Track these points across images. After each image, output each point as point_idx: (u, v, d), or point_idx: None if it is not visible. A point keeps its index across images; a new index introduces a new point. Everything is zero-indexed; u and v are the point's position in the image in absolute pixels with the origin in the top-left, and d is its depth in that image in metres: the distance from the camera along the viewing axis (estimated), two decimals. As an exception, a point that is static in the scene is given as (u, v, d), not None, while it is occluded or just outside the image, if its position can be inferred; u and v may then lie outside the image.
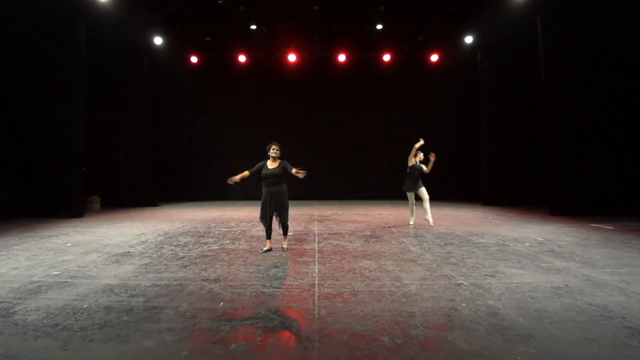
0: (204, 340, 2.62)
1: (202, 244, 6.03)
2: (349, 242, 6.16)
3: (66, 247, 5.77)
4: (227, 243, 6.09)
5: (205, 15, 11.91)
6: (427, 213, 7.44)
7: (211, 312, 3.11)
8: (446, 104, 14.52)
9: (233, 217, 9.44)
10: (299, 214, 9.84)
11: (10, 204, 9.63)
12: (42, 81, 9.43)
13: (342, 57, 13.86)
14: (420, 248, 5.59)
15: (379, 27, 12.34)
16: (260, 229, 7.17)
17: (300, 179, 5.19)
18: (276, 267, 4.60)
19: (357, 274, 4.25)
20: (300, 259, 4.98)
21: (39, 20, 9.22)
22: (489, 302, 3.29)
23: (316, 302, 3.36)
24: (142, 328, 2.80)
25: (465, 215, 9.69)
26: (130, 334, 2.70)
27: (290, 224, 5.63)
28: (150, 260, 4.88)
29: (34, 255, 5.21)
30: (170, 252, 5.37)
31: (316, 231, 7.26)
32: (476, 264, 4.62)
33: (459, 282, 3.88)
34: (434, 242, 6.05)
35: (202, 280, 4.02)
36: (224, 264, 4.72)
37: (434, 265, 4.56)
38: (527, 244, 5.77)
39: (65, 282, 3.96)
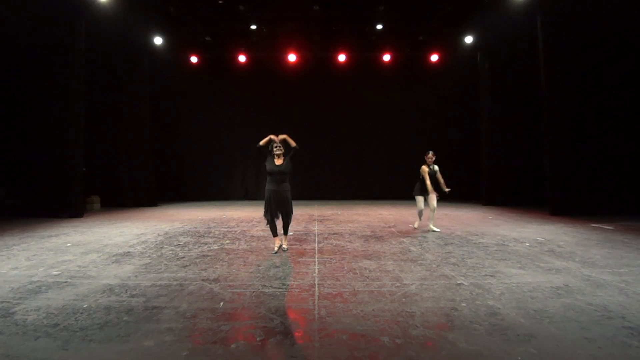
0: (204, 340, 2.62)
1: (202, 244, 6.03)
2: (349, 242, 6.16)
3: (66, 247, 5.77)
4: (227, 243, 6.09)
5: (205, 15, 11.91)
6: (432, 219, 7.16)
7: (211, 312, 3.11)
8: (446, 104, 14.52)
9: (233, 217, 9.44)
10: (299, 214, 9.84)
11: (10, 204, 9.63)
12: (42, 81, 9.43)
13: (342, 57, 13.86)
14: (420, 248, 5.59)
15: (379, 27, 12.34)
16: (260, 229, 7.18)
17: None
18: (276, 267, 4.60)
19: (357, 274, 4.25)
20: (300, 259, 4.98)
21: (39, 21, 9.21)
22: (489, 302, 3.29)
23: (316, 302, 3.36)
24: (142, 328, 2.80)
25: (465, 215, 9.70)
26: (130, 334, 2.70)
27: (290, 224, 5.61)
28: (150, 260, 4.88)
29: (34, 255, 5.21)
30: (170, 252, 5.37)
31: (316, 231, 7.26)
32: (476, 264, 4.62)
33: (459, 282, 3.89)
34: (434, 242, 6.05)
35: (202, 280, 4.02)
36: (224, 264, 4.72)
37: (434, 265, 4.56)
38: (527, 244, 5.77)
39: (65, 282, 3.96)
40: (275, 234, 5.38)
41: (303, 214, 10.04)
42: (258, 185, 14.34)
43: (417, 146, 11.96)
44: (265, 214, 5.27)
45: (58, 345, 2.56)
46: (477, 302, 3.28)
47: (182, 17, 11.60)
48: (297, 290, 3.71)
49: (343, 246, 5.80)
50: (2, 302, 3.36)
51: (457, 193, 14.37)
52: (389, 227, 7.74)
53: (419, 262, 4.74)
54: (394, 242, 6.07)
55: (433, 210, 7.01)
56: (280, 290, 3.71)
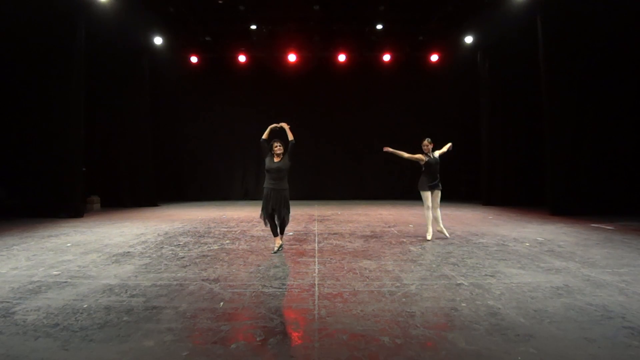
0: (204, 340, 2.63)
1: (202, 244, 6.03)
2: (349, 242, 6.16)
3: (66, 247, 5.77)
4: (227, 243, 6.09)
5: (205, 15, 11.90)
6: (439, 222, 6.26)
7: (211, 312, 3.11)
8: (446, 104, 14.51)
9: (233, 217, 9.44)
10: (299, 214, 9.84)
11: (10, 204, 9.63)
12: (42, 81, 9.42)
13: (342, 57, 13.85)
14: (420, 248, 5.59)
15: (379, 27, 12.33)
16: (260, 229, 7.17)
17: (272, 132, 5.36)
18: (276, 267, 4.60)
19: (357, 274, 4.25)
20: (300, 259, 4.98)
21: (39, 20, 9.20)
22: (489, 302, 3.29)
23: (316, 302, 3.36)
24: (142, 328, 2.80)
25: (465, 215, 9.69)
26: (130, 334, 2.70)
27: (290, 224, 5.61)
28: (150, 260, 4.88)
29: (34, 255, 5.21)
30: (170, 252, 5.37)
31: (316, 231, 7.25)
32: (476, 264, 4.62)
33: (459, 282, 3.88)
34: (434, 242, 6.05)
35: (202, 280, 4.02)
36: (224, 264, 4.72)
37: (434, 265, 4.56)
38: (527, 244, 5.77)
39: (65, 282, 3.96)
40: (275, 233, 5.38)
41: (303, 214, 10.04)
42: (258, 185, 14.32)
43: (417, 146, 11.95)
44: (262, 212, 5.27)
45: (58, 345, 2.56)
46: (477, 302, 3.28)
47: (182, 17, 11.60)
48: (297, 290, 3.71)
49: (343, 246, 5.80)
50: (2, 302, 3.36)
51: (457, 193, 14.52)
52: (389, 227, 7.74)
53: (419, 262, 4.74)
54: (394, 242, 6.06)
55: (437, 208, 6.15)
56: (280, 290, 3.71)
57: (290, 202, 5.43)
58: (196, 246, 5.82)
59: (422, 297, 3.44)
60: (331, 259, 4.98)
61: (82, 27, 9.54)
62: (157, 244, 5.98)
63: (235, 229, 7.51)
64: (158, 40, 12.22)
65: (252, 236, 6.70)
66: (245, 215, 9.73)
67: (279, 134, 5.39)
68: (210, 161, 14.81)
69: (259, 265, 4.66)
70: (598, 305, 3.19)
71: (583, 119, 9.35)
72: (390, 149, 6.19)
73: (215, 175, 14.89)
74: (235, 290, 3.69)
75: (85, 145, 9.93)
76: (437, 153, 6.24)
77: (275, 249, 5.35)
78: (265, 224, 5.34)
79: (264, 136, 5.34)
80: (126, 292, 3.61)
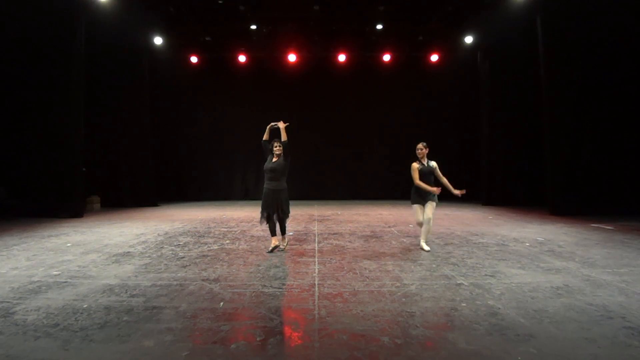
0: (204, 340, 2.62)
1: (202, 244, 6.03)
2: (349, 242, 6.16)
3: (66, 247, 5.77)
4: (227, 243, 6.08)
5: (205, 15, 11.91)
6: (423, 236, 5.49)
7: (211, 312, 3.11)
8: (446, 104, 14.51)
9: (233, 217, 9.44)
10: (299, 214, 9.84)
11: (10, 204, 9.63)
12: (42, 81, 9.42)
13: (342, 57, 13.86)
14: (420, 248, 5.58)
15: (379, 27, 12.34)
16: (260, 229, 7.16)
17: (284, 134, 5.33)
18: (276, 267, 4.60)
19: (357, 274, 4.25)
20: (300, 259, 4.98)
21: (39, 20, 9.21)
22: (489, 302, 3.29)
23: (316, 302, 3.36)
24: (142, 328, 2.80)
25: (465, 215, 9.69)
26: (130, 334, 2.70)
27: (290, 224, 5.60)
28: (150, 260, 4.88)
29: (34, 255, 5.21)
30: (170, 252, 5.37)
31: (316, 231, 7.25)
32: (476, 264, 4.62)
33: (459, 282, 3.88)
34: (434, 242, 6.05)
35: (202, 280, 4.02)
36: (224, 264, 4.72)
37: (434, 265, 4.56)
38: (527, 244, 5.77)
39: (65, 282, 3.96)
40: (272, 233, 5.39)
41: (303, 214, 10.03)
42: (258, 185, 14.33)
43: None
44: (261, 216, 5.32)
45: (58, 345, 2.56)
46: (477, 302, 3.28)
47: (182, 17, 11.60)
48: (297, 290, 3.71)
49: (343, 246, 5.80)
50: (2, 302, 3.36)
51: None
52: (389, 227, 7.74)
53: (419, 262, 4.74)
54: (394, 242, 6.06)
55: (428, 222, 5.36)
56: (280, 290, 3.71)
57: (290, 202, 5.43)
58: (196, 246, 5.82)
59: (422, 297, 3.44)
60: (331, 259, 4.98)
61: (82, 27, 9.55)
62: (157, 244, 5.98)
63: (235, 229, 7.51)
64: (158, 40, 12.23)
65: (252, 236, 6.70)
66: (245, 215, 9.73)
67: (279, 134, 5.41)
68: (210, 161, 14.81)
69: (259, 265, 4.66)
70: (598, 305, 3.19)
71: (583, 119, 9.35)
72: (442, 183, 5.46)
73: (215, 175, 14.90)
74: (235, 290, 3.69)
75: (85, 145, 9.93)
76: (433, 163, 5.44)
77: (270, 248, 5.36)
78: (261, 223, 5.39)
79: (265, 137, 5.42)
80: (126, 292, 3.61)
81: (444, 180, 5.45)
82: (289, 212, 5.38)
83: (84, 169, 9.98)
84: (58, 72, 9.37)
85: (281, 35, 12.84)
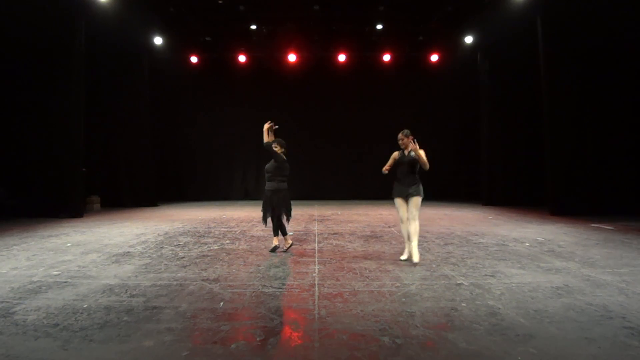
0: (204, 340, 2.62)
1: (202, 244, 6.03)
2: (349, 242, 6.16)
3: (66, 247, 5.77)
4: (227, 243, 6.08)
5: (205, 15, 11.91)
6: (411, 240, 4.69)
7: (211, 312, 3.11)
8: (446, 104, 14.52)
9: (233, 217, 9.44)
10: (299, 214, 9.84)
11: (10, 204, 9.62)
12: (42, 81, 9.42)
13: (342, 57, 13.87)
14: (420, 248, 5.58)
15: (379, 27, 12.34)
16: (260, 229, 7.17)
17: (275, 132, 5.36)
18: (276, 267, 4.60)
19: (357, 274, 4.25)
20: (300, 259, 4.98)
21: (39, 20, 9.20)
22: (489, 302, 3.29)
23: (316, 302, 3.36)
24: (142, 328, 2.80)
25: (465, 215, 9.69)
26: (130, 334, 2.70)
27: (290, 224, 5.60)
28: (150, 260, 4.88)
29: (34, 255, 5.20)
30: (170, 252, 5.36)
31: (316, 231, 7.25)
32: (476, 264, 4.62)
33: (459, 282, 3.88)
34: (434, 242, 6.05)
35: (202, 280, 4.02)
36: (224, 264, 4.72)
37: (434, 265, 4.56)
38: (527, 244, 5.77)
39: (65, 282, 3.95)
40: (274, 233, 5.40)
41: (303, 214, 10.03)
42: (258, 185, 14.34)
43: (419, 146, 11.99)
44: (263, 217, 5.35)
45: (58, 345, 2.56)
46: (477, 302, 3.28)
47: (182, 17, 11.61)
48: (297, 290, 3.71)
49: (343, 246, 5.80)
50: (2, 302, 3.36)
51: (457, 193, 14.52)
52: (389, 227, 7.74)
53: (419, 262, 4.74)
54: (394, 242, 6.06)
55: (413, 221, 4.69)
56: (280, 290, 3.71)
57: (291, 202, 5.42)
58: (196, 246, 5.82)
59: (422, 297, 3.44)
60: (331, 259, 4.98)
61: (82, 27, 9.54)
62: (157, 244, 5.98)
63: (235, 229, 7.50)
64: (158, 40, 12.23)
65: (252, 236, 6.70)
66: (245, 215, 9.73)
67: (280, 134, 5.42)
68: (210, 161, 14.82)
69: (259, 265, 4.66)
70: (598, 305, 3.18)
71: (583, 119, 9.35)
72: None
73: (215, 175, 14.90)
74: (235, 290, 3.69)
75: (85, 145, 9.93)
76: (414, 154, 4.65)
77: (271, 247, 5.38)
78: (264, 224, 5.40)
79: (265, 139, 5.30)
80: (126, 292, 3.61)
81: (423, 160, 4.60)
82: (288, 213, 5.35)
83: (84, 169, 9.97)
84: (58, 72, 9.36)
85: (281, 35, 12.85)
